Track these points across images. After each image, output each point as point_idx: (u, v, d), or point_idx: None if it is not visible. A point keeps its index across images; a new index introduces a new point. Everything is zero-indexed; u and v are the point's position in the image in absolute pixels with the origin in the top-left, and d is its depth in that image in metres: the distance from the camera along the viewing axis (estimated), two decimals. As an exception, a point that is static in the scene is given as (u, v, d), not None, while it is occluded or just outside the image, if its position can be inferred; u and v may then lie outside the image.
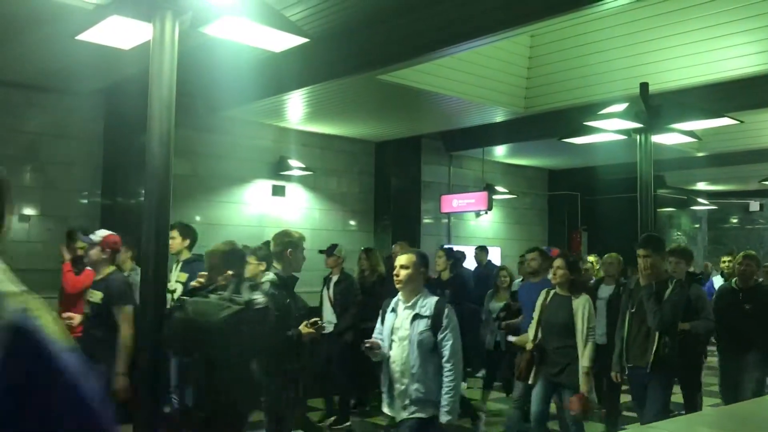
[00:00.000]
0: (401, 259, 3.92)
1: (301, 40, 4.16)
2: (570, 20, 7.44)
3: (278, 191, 10.24)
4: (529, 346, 5.29)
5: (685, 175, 14.05)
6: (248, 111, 9.01)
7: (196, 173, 9.35)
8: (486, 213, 12.71)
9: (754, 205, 17.79)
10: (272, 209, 10.20)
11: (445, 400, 3.77)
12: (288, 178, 10.35)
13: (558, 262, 5.19)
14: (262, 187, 10.10)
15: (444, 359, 3.81)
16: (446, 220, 12.60)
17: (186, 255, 5.85)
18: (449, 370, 3.80)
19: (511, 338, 6.16)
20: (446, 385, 3.80)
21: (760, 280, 6.30)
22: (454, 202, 12.06)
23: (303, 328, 4.11)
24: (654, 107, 6.96)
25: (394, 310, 4.00)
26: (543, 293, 5.36)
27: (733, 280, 6.25)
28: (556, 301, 5.21)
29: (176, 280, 5.64)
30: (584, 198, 14.61)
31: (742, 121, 7.32)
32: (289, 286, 4.37)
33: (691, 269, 7.00)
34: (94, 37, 4.12)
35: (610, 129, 7.21)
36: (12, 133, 7.98)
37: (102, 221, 8.47)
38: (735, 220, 18.55)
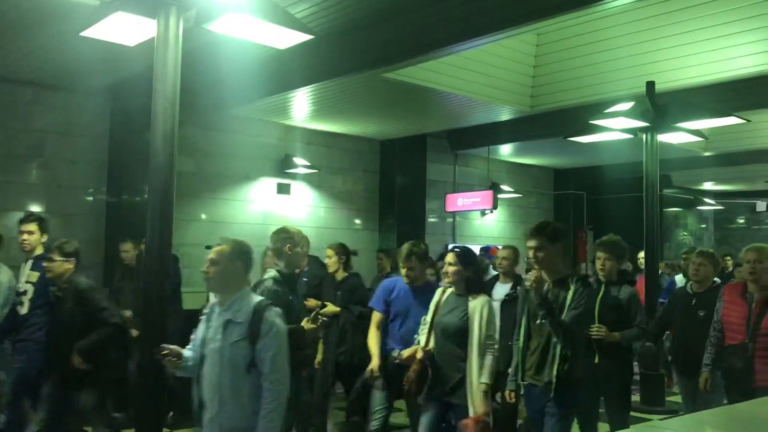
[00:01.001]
0: (211, 253, 3.27)
1: (305, 37, 4.15)
2: (576, 18, 7.42)
3: (283, 189, 10.24)
4: (420, 354, 4.37)
5: (691, 174, 14.00)
6: (253, 109, 9.01)
7: (201, 171, 9.35)
8: (491, 212, 12.69)
9: (761, 205, 17.72)
10: (277, 207, 10.20)
11: (260, 430, 3.03)
12: (293, 176, 10.34)
13: (449, 257, 4.39)
14: (267, 185, 10.10)
15: (262, 376, 3.08)
16: (451, 219, 12.58)
17: (40, 251, 5.36)
18: (268, 390, 3.06)
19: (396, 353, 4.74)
20: (264, 409, 3.04)
21: (718, 281, 5.40)
22: (459, 201, 12.03)
23: (305, 323, 4.01)
24: (660, 106, 6.94)
25: (208, 317, 3.30)
26: (439, 291, 4.54)
27: (689, 283, 5.48)
28: (450, 302, 4.41)
29: (26, 280, 5.24)
30: (590, 197, 14.58)
31: (749, 121, 7.29)
32: (291, 282, 4.32)
33: (627, 267, 6.11)
34: (99, 34, 4.12)
35: (616, 128, 7.20)
36: (19, 131, 7.99)
37: (107, 218, 8.50)
38: (742, 221, 18.46)
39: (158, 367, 3.60)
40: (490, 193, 11.68)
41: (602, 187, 13.83)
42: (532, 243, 3.99)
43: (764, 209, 17.73)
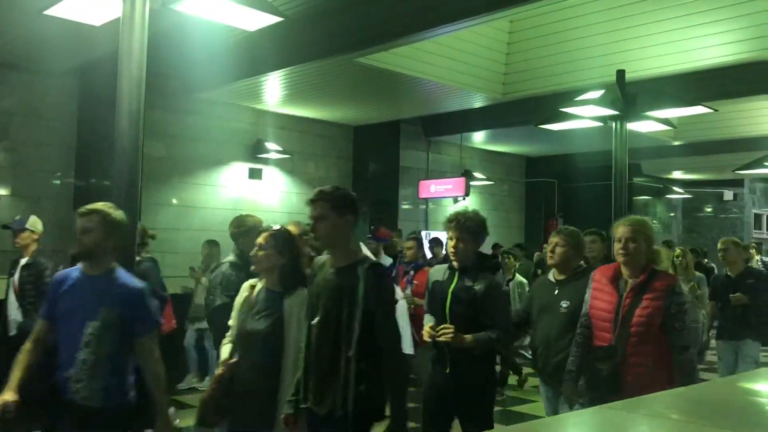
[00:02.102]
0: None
1: (275, 19, 4.10)
2: (549, 6, 7.45)
3: (255, 174, 10.17)
4: (220, 370, 3.44)
5: (660, 163, 14.18)
6: (224, 93, 8.92)
7: (171, 155, 9.25)
8: (464, 199, 12.72)
9: (728, 195, 18.03)
10: (249, 192, 10.13)
11: None
12: (265, 161, 10.27)
13: (261, 238, 3.45)
14: (238, 169, 10.03)
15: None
16: (424, 206, 12.61)
17: None
18: None
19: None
20: None
21: (583, 265, 4.30)
22: (432, 188, 12.06)
23: None
24: (630, 95, 6.98)
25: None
26: (246, 285, 3.58)
27: (552, 271, 4.31)
28: (262, 299, 3.42)
29: None
30: (561, 185, 14.69)
31: (716, 110, 7.38)
32: (249, 267, 4.13)
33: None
34: (63, 13, 4.02)
35: (586, 116, 7.23)
36: (-18, 112, 7.83)
37: (75, 202, 8.37)
38: (709, 209, 18.77)
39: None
40: (462, 180, 11.73)
41: (573, 175, 13.94)
42: (313, 210, 3.11)
43: (731, 198, 18.04)
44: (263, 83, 8.49)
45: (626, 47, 7.82)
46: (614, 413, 1.86)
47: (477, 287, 3.62)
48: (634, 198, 14.50)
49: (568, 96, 7.53)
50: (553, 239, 4.15)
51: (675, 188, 16.52)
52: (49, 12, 4.01)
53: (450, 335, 3.52)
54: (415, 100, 9.59)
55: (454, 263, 3.73)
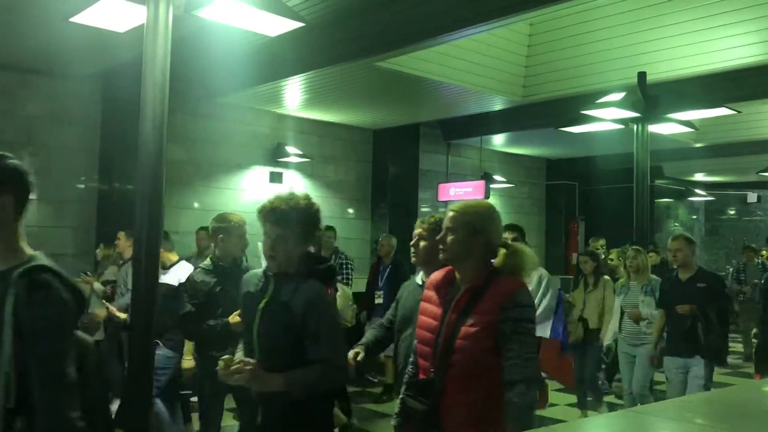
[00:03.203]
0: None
1: (296, 25, 4.14)
2: (569, 9, 7.41)
3: (275, 178, 10.22)
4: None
5: (683, 165, 14.04)
6: (245, 97, 8.98)
7: (193, 159, 9.33)
8: (483, 202, 12.69)
9: (752, 197, 17.80)
10: (269, 196, 10.16)
11: None
12: (285, 165, 10.33)
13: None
14: (259, 173, 10.09)
15: None
16: (443, 209, 12.59)
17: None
18: None
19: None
20: None
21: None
22: (451, 191, 12.04)
23: (233, 318, 3.78)
24: (651, 97, 6.96)
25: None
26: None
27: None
28: None
29: None
30: (582, 188, 14.60)
31: (739, 111, 7.32)
32: (228, 272, 4.06)
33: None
34: (89, 20, 4.10)
35: (607, 118, 7.22)
36: (7, 117, 7.94)
37: (98, 207, 8.48)
38: (732, 212, 18.55)
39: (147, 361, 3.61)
40: (482, 183, 11.69)
41: (594, 178, 13.85)
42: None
43: (755, 200, 17.81)
44: (284, 87, 8.54)
45: (648, 49, 7.76)
46: (638, 417, 1.86)
47: (294, 302, 2.60)
48: (656, 200, 14.39)
49: (589, 98, 7.51)
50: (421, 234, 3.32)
51: (697, 191, 16.35)
52: (74, 19, 4.08)
53: (246, 375, 2.49)
54: (435, 103, 9.59)
55: (270, 268, 2.74)
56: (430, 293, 2.64)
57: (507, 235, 4.40)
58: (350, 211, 11.30)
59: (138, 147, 3.83)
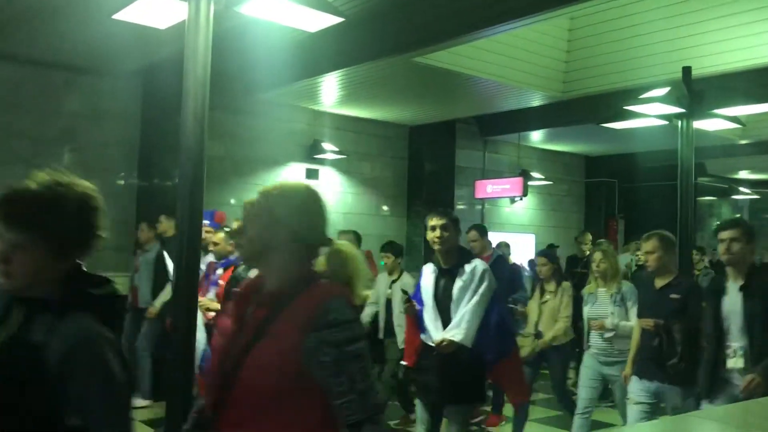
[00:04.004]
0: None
1: (336, 20, 4.11)
2: (610, 2, 7.26)
3: (312, 174, 10.24)
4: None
5: (726, 163, 13.71)
6: (283, 93, 9.01)
7: (230, 156, 9.39)
8: (521, 199, 12.56)
9: (798, 195, 17.31)
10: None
11: None
12: (322, 162, 10.34)
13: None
14: (295, 170, 10.11)
15: None
16: (480, 206, 12.49)
17: None
18: None
19: None
20: None
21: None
22: (488, 188, 11.94)
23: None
24: (696, 92, 6.78)
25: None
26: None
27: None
28: None
29: None
30: (622, 185, 14.37)
31: (788, 107, 7.10)
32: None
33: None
34: (131, 16, 4.12)
35: (650, 114, 7.05)
36: (50, 114, 8.09)
37: (138, 203, 8.59)
38: (777, 210, 18.07)
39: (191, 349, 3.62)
40: (520, 180, 11.57)
41: (634, 175, 13.62)
42: None
43: (801, 199, 17.32)
44: (320, 84, 8.55)
45: (692, 43, 7.57)
46: (695, 422, 1.80)
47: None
48: (698, 198, 14.09)
49: (631, 93, 7.35)
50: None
51: (741, 188, 15.96)
52: (117, 16, 4.11)
53: None
54: (472, 99, 9.50)
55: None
56: (230, 303, 2.02)
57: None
58: (385, 208, 11.27)
59: (179, 143, 3.83)
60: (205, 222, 5.82)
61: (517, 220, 13.04)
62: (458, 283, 4.16)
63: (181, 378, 3.71)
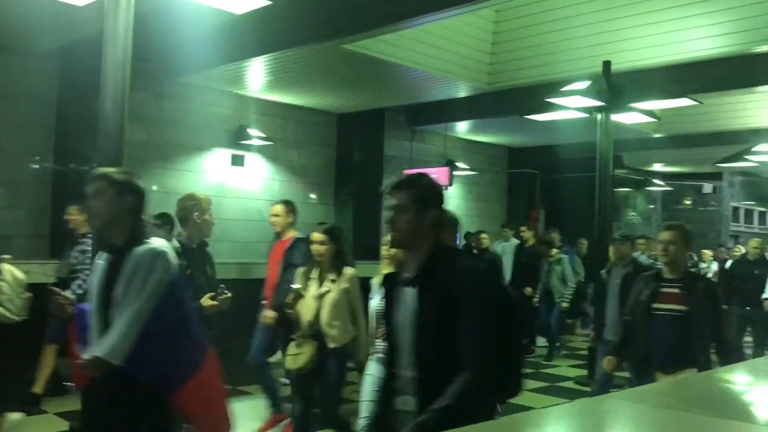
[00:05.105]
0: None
1: (262, 3, 4.05)
2: (536, -4, 7.43)
3: (237, 161, 10.08)
4: None
5: (642, 155, 14.26)
6: (208, 77, 8.81)
7: (153, 140, 9.13)
8: (447, 189, 12.73)
9: (708, 188, 18.24)
10: (231, 179, 10.04)
11: None
12: (248, 148, 10.18)
13: None
14: (220, 156, 9.93)
15: None
16: (407, 195, 12.56)
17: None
18: None
19: None
20: None
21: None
22: (415, 177, 12.03)
23: (205, 300, 3.77)
24: (615, 86, 7.01)
25: None
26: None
27: None
28: None
29: None
30: (543, 176, 14.74)
31: (701, 102, 7.44)
32: (196, 253, 4.10)
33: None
34: (46, -8, 3.95)
35: (571, 106, 7.26)
36: (-42, 93, 7.67)
37: (53, 186, 8.25)
38: (688, 202, 18.97)
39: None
40: (446, 169, 11.70)
41: (555, 167, 13.99)
42: None
43: (710, 191, 18.24)
44: (247, 68, 8.40)
45: (613, 38, 7.83)
46: (614, 402, 1.86)
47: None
48: (615, 189, 14.61)
49: (554, 87, 7.54)
50: None
51: (656, 180, 16.66)
52: (31, -9, 3.92)
53: None
54: (400, 88, 9.54)
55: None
56: None
57: None
58: (313, 196, 11.22)
59: (98, 126, 3.70)
60: None
61: (442, 209, 13.20)
62: (121, 277, 2.87)
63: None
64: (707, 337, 4.02)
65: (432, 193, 2.54)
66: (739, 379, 2.52)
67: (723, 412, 1.81)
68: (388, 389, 2.54)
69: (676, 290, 4.07)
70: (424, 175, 2.61)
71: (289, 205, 5.79)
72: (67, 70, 8.16)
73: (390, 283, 2.62)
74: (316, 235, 4.44)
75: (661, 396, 2.02)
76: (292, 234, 5.64)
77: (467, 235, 11.20)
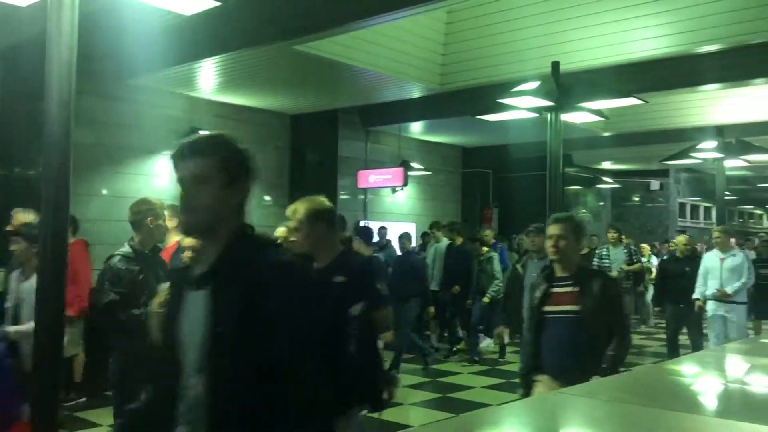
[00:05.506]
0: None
1: (211, 4, 3.99)
2: (486, -3, 7.51)
3: (189, 164, 9.93)
4: None
5: (591, 154, 14.56)
6: (158, 79, 8.66)
7: (102, 143, 8.93)
8: (402, 189, 12.78)
9: (655, 184, 18.71)
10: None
11: None
12: (200, 151, 10.03)
13: None
14: (172, 159, 9.77)
15: None
16: (363, 196, 12.59)
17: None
18: None
19: None
20: None
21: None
22: (370, 178, 12.06)
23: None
24: (564, 86, 7.11)
25: None
26: None
27: None
28: None
29: None
30: (496, 175, 14.92)
31: (647, 102, 7.61)
32: (149, 259, 4.04)
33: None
34: (-14, -8, 3.82)
35: (522, 107, 7.34)
36: None
37: (-2, 193, 8.00)
38: (637, 199, 19.41)
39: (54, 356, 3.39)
40: (401, 170, 11.77)
41: (507, 166, 14.17)
42: None
43: (658, 188, 18.70)
44: (197, 70, 8.29)
45: (561, 39, 7.96)
46: (566, 398, 1.89)
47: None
48: (566, 188, 14.85)
49: (505, 87, 7.62)
50: None
51: (605, 178, 17.01)
52: (-30, -9, 3.80)
53: None
54: (353, 89, 9.54)
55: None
56: None
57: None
58: (267, 198, 11.13)
59: (43, 130, 3.59)
60: None
61: (398, 209, 13.25)
62: None
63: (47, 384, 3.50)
64: (604, 338, 3.43)
65: (243, 159, 1.95)
66: (686, 371, 2.59)
67: (672, 404, 1.86)
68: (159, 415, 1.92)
69: (569, 289, 3.55)
70: (230, 137, 1.96)
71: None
72: (10, 72, 7.92)
73: (177, 282, 2.02)
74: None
75: (612, 391, 2.07)
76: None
77: (424, 234, 11.26)
